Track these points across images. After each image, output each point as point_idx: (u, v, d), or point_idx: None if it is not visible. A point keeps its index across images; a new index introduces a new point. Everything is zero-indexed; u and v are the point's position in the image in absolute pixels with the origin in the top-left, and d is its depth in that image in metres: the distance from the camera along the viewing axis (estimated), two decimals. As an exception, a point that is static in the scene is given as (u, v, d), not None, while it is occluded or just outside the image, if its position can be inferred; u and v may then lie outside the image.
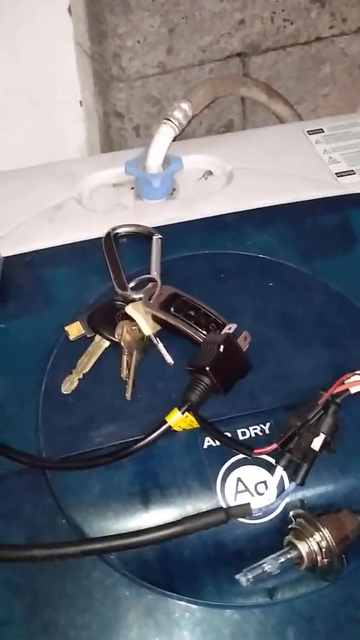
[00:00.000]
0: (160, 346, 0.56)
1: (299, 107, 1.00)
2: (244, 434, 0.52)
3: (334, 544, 0.45)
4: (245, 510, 0.48)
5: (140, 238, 0.66)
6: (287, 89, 0.98)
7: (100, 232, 0.66)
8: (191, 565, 0.48)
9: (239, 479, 0.50)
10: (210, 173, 0.76)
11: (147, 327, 0.56)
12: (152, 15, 0.82)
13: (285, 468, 0.49)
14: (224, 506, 0.49)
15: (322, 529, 0.46)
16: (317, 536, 0.46)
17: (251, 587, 0.47)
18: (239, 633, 0.46)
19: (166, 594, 0.47)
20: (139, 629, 0.46)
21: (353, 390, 0.52)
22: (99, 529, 0.49)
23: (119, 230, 0.66)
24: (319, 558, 0.45)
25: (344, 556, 0.46)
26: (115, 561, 0.48)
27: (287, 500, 0.49)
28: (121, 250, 0.65)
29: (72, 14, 0.89)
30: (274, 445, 0.49)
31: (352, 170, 0.75)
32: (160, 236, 0.64)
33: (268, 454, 0.50)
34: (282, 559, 0.46)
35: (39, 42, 0.90)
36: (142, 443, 0.50)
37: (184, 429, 0.52)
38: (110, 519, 0.49)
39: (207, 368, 0.51)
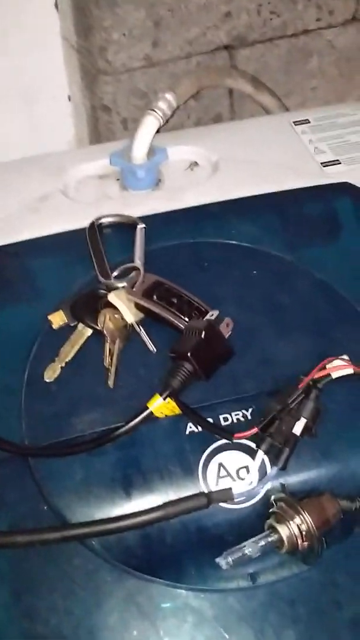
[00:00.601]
0: (143, 334, 0.56)
1: (287, 100, 1.00)
2: (226, 419, 0.52)
3: (314, 527, 0.46)
4: (226, 495, 0.48)
5: (125, 228, 0.66)
6: (275, 82, 0.98)
7: (85, 222, 0.66)
8: (173, 550, 0.48)
9: (220, 464, 0.50)
10: (196, 164, 0.76)
11: (130, 315, 0.56)
12: (138, 8, 0.82)
13: (267, 452, 0.50)
14: (206, 491, 0.49)
15: (302, 512, 0.46)
16: (297, 519, 0.46)
17: (233, 571, 0.47)
18: (221, 616, 0.46)
19: (148, 579, 0.47)
20: (120, 613, 0.46)
21: (335, 374, 0.52)
22: (81, 515, 0.49)
23: (103, 220, 0.66)
24: (299, 541, 0.46)
25: (324, 539, 0.46)
26: (97, 547, 0.48)
27: (268, 484, 0.49)
28: (106, 240, 0.65)
29: (58, 9, 0.90)
30: (255, 429, 0.49)
31: (338, 160, 0.75)
32: (143, 225, 0.64)
33: (250, 438, 0.50)
34: (263, 542, 0.46)
35: (26, 37, 0.91)
36: (123, 429, 0.50)
37: (166, 416, 0.52)
38: (92, 506, 0.49)
39: (189, 354, 0.51)
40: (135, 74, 0.88)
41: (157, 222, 0.66)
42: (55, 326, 0.57)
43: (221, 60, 0.92)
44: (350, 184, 0.72)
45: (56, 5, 0.90)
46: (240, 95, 0.94)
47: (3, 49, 0.91)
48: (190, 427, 0.52)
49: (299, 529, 0.46)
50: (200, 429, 0.51)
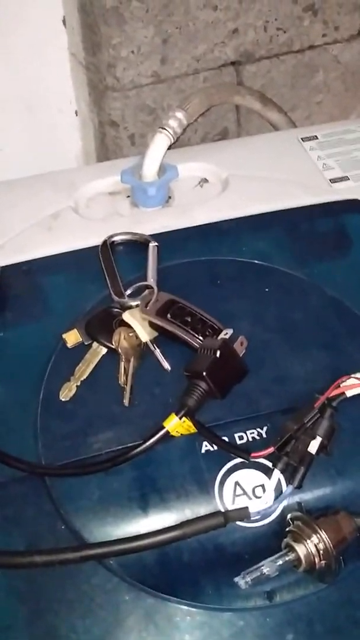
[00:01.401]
0: (157, 352, 0.57)
1: (293, 114, 1.00)
2: (241, 438, 0.52)
3: (331, 546, 0.46)
4: (243, 513, 0.49)
5: (137, 246, 0.67)
6: (281, 97, 0.99)
7: (97, 240, 0.67)
8: (190, 569, 0.49)
9: (236, 483, 0.50)
10: (205, 180, 0.77)
11: (144, 334, 0.57)
12: (146, 25, 0.83)
13: (283, 471, 0.50)
14: (222, 510, 0.49)
15: (319, 531, 0.46)
16: (314, 538, 0.46)
17: (250, 590, 0.47)
18: (239, 636, 0.46)
19: (166, 598, 0.47)
20: (139, 633, 0.46)
21: (349, 393, 0.53)
22: (98, 534, 0.49)
23: (116, 238, 0.66)
24: (316, 560, 0.46)
25: (341, 558, 0.46)
26: (115, 566, 0.48)
27: (284, 503, 0.50)
28: (118, 258, 0.65)
29: (66, 25, 0.90)
30: (271, 449, 0.49)
31: (347, 176, 0.76)
32: (156, 243, 0.65)
33: (265, 457, 0.50)
34: (280, 562, 0.46)
35: (34, 53, 0.91)
36: (140, 448, 0.50)
37: (181, 434, 0.52)
38: (109, 525, 0.49)
39: (204, 373, 0.52)
40: (143, 90, 0.89)
41: (168, 240, 0.67)
42: (70, 345, 0.58)
43: (228, 76, 0.93)
44: (359, 200, 0.72)
45: (64, 22, 0.91)
46: (247, 110, 0.95)
47: (11, 64, 0.91)
48: (206, 446, 0.52)
49: (316, 547, 0.46)
50: (215, 447, 0.52)
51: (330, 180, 0.75)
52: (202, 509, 0.50)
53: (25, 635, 0.46)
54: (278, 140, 0.83)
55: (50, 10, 0.89)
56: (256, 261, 0.66)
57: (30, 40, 0.90)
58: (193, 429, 0.52)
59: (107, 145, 0.94)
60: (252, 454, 0.50)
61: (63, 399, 0.55)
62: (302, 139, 0.81)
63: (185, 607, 0.47)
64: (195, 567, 0.49)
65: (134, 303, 0.59)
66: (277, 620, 0.47)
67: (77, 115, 0.99)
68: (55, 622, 0.47)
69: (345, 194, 0.74)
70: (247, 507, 0.49)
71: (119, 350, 0.56)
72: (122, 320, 0.58)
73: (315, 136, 0.82)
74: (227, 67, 0.93)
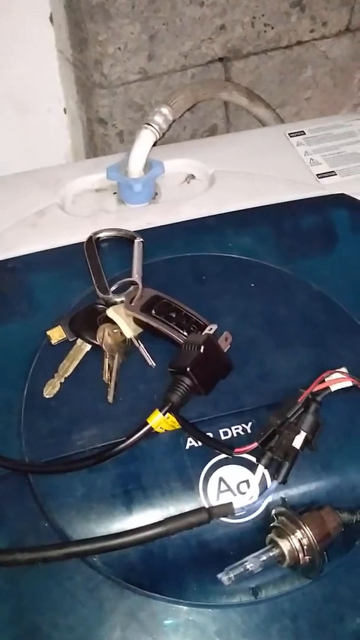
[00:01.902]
0: (142, 348, 0.56)
1: (282, 110, 1.00)
2: (226, 433, 0.52)
3: (315, 541, 0.46)
4: (227, 509, 0.48)
5: (123, 242, 0.66)
6: (269, 93, 0.99)
7: (82, 237, 0.66)
8: (175, 565, 0.48)
9: (221, 479, 0.50)
10: (192, 177, 0.76)
11: (129, 330, 0.57)
12: (132, 22, 0.83)
13: (267, 467, 0.50)
14: (207, 506, 0.49)
15: (303, 526, 0.46)
16: (298, 534, 0.46)
17: (235, 586, 0.47)
18: (223, 632, 0.46)
19: (150, 595, 0.47)
20: (122, 630, 0.46)
21: (334, 387, 0.52)
22: (82, 531, 0.49)
23: (101, 235, 0.66)
24: (300, 555, 0.46)
25: (325, 553, 0.46)
26: (99, 563, 0.48)
27: (269, 498, 0.50)
28: (104, 255, 0.65)
29: (53, 23, 0.90)
30: (255, 444, 0.49)
31: (333, 172, 0.76)
32: (141, 239, 0.64)
33: (250, 453, 0.50)
34: (264, 557, 0.46)
35: (22, 50, 0.91)
36: (123, 445, 0.50)
37: (166, 430, 0.52)
38: (93, 522, 0.49)
39: (188, 369, 0.51)
40: (131, 87, 0.89)
41: (154, 236, 0.66)
42: (54, 342, 0.57)
43: (216, 72, 0.93)
44: (346, 195, 0.72)
45: (51, 19, 0.90)
46: (236, 107, 0.94)
47: (-1, 62, 0.91)
48: (191, 442, 0.52)
49: (300, 543, 0.46)
50: (200, 443, 0.51)
51: (317, 175, 0.75)
52: (187, 506, 0.49)
53: (7, 634, 0.46)
54: (265, 136, 0.83)
55: (37, 7, 0.89)
56: (242, 257, 0.66)
57: (18, 38, 0.90)
58: (177, 425, 0.52)
59: (95, 143, 0.94)
60: (236, 449, 0.49)
61: (47, 396, 0.54)
62: (289, 134, 0.81)
63: (170, 604, 0.47)
64: (180, 563, 0.48)
65: (118, 299, 0.59)
66: (262, 616, 0.46)
67: (65, 113, 0.99)
68: (38, 621, 0.46)
69: (332, 189, 0.73)
70: (231, 503, 0.48)
71: (103, 347, 0.56)
72: (107, 317, 0.57)
73: (303, 131, 0.81)
74: (214, 64, 0.93)
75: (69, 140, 1.01)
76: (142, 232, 0.66)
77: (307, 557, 0.46)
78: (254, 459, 0.50)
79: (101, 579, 0.47)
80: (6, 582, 0.47)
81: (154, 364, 0.56)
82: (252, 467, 0.50)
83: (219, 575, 0.46)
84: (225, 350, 0.55)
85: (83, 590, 0.47)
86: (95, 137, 0.93)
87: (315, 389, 0.52)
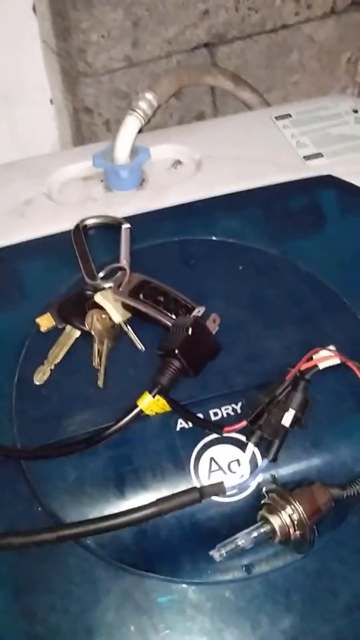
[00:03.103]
0: (131, 333, 0.57)
1: (269, 95, 1.00)
2: (216, 414, 0.53)
3: (305, 516, 0.46)
4: (218, 488, 0.49)
5: (111, 229, 0.67)
6: (256, 78, 0.98)
7: (70, 225, 0.66)
8: (168, 545, 0.49)
9: (212, 459, 0.51)
10: (179, 162, 0.76)
11: (117, 315, 0.57)
12: (115, 9, 0.83)
13: (257, 445, 0.50)
14: (198, 486, 0.49)
15: (293, 502, 0.46)
16: (288, 509, 0.46)
17: (228, 564, 0.47)
18: (218, 608, 0.47)
19: (144, 575, 0.47)
20: (117, 610, 0.47)
21: (322, 365, 0.53)
22: (75, 515, 0.49)
23: (88, 222, 0.66)
24: (291, 531, 0.46)
25: (315, 528, 0.47)
26: (92, 545, 0.48)
27: (260, 476, 0.50)
28: (92, 242, 0.65)
29: (36, 12, 0.90)
30: (243, 422, 0.49)
31: (320, 153, 0.76)
32: (128, 225, 0.64)
33: (240, 432, 0.50)
34: (255, 533, 0.46)
35: (6, 41, 0.91)
36: (114, 428, 0.50)
37: (156, 413, 0.52)
38: (86, 505, 0.50)
39: (176, 351, 0.52)
40: (116, 74, 0.89)
41: (142, 222, 0.67)
42: (43, 329, 0.57)
43: (201, 58, 0.93)
44: (333, 176, 0.72)
45: (34, 9, 0.90)
46: (223, 92, 0.94)
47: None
48: (181, 424, 0.52)
49: (291, 518, 0.46)
50: (190, 424, 0.52)
51: (304, 157, 0.75)
52: (179, 486, 0.50)
53: (3, 617, 0.47)
54: (251, 120, 0.83)
55: (20, -2, 0.89)
56: (230, 240, 0.66)
57: (1, 29, 0.90)
58: (167, 407, 0.52)
59: (82, 133, 0.94)
60: (225, 428, 0.50)
61: (37, 383, 0.55)
62: (275, 117, 0.81)
63: (164, 583, 0.47)
64: (173, 543, 0.49)
65: (106, 285, 0.59)
66: (255, 592, 0.47)
67: (52, 103, 0.99)
68: (34, 603, 0.47)
69: (319, 170, 0.73)
70: (222, 482, 0.49)
71: (92, 333, 0.56)
72: (95, 302, 0.58)
73: (289, 114, 0.81)
74: (200, 49, 0.92)
75: (56, 130, 1.01)
76: (129, 218, 0.66)
77: (297, 532, 0.46)
78: (244, 438, 0.51)
79: (95, 560, 0.48)
80: (1, 565, 0.48)
81: (144, 348, 0.56)
82: (242, 446, 0.51)
83: (211, 552, 0.46)
84: (213, 332, 0.55)
85: (78, 572, 0.48)
86: (82, 126, 0.93)
87: (304, 367, 0.52)
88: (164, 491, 0.50)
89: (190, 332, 0.53)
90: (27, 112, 0.97)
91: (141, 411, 0.51)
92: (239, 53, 0.96)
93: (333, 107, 0.83)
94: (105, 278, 0.60)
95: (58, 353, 0.56)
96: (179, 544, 0.49)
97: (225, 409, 0.53)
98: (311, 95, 1.07)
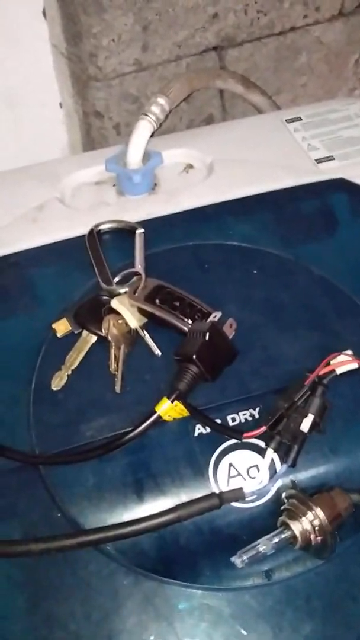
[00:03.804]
0: (147, 338, 0.57)
1: (277, 97, 1.00)
2: (234, 419, 0.53)
3: (326, 522, 0.46)
4: (238, 494, 0.49)
5: (124, 233, 0.67)
6: (265, 80, 0.98)
7: (83, 229, 0.67)
8: (188, 551, 0.49)
9: (230, 464, 0.51)
10: (190, 166, 0.76)
11: (133, 320, 0.57)
12: (125, 13, 0.83)
13: (276, 450, 0.50)
14: (217, 492, 0.49)
15: (314, 508, 0.46)
16: (309, 515, 0.46)
17: (248, 569, 0.47)
18: (238, 614, 0.47)
19: (164, 581, 0.47)
20: (138, 616, 0.47)
21: (339, 370, 0.53)
22: (94, 520, 0.49)
23: (102, 227, 0.66)
24: (312, 537, 0.46)
25: (336, 533, 0.47)
26: (112, 551, 0.48)
27: (279, 482, 0.50)
28: (105, 247, 0.65)
29: (46, 17, 0.90)
30: (263, 428, 0.49)
31: (332, 156, 0.76)
32: (142, 230, 0.65)
33: (258, 437, 0.50)
34: (276, 539, 0.46)
35: (16, 45, 0.91)
36: (132, 434, 0.50)
37: (174, 419, 0.52)
38: (105, 511, 0.50)
39: (194, 356, 0.52)
40: (126, 78, 0.89)
41: (155, 226, 0.67)
42: (59, 334, 0.57)
43: (211, 61, 0.93)
44: (345, 179, 0.72)
45: (44, 13, 0.90)
46: (232, 95, 0.94)
47: (-8, 59, 0.91)
48: (199, 429, 0.52)
49: (312, 524, 0.46)
50: (208, 430, 0.52)
51: (315, 160, 0.75)
52: (198, 492, 0.50)
53: (25, 624, 0.47)
54: (262, 123, 0.83)
55: (29, 2, 0.89)
56: (243, 244, 0.66)
57: (11, 33, 0.90)
58: (185, 413, 0.52)
59: (92, 136, 0.94)
60: (244, 434, 0.50)
61: (55, 388, 0.55)
62: (286, 120, 0.81)
63: (184, 589, 0.47)
64: (193, 549, 0.49)
65: (122, 290, 0.59)
66: (276, 598, 0.47)
67: (61, 107, 0.99)
68: (54, 610, 0.47)
69: (330, 173, 0.73)
70: (241, 488, 0.49)
71: (109, 338, 0.56)
72: (111, 308, 0.58)
73: (299, 117, 0.81)
74: (209, 52, 0.93)
75: (65, 134, 1.01)
76: (142, 223, 0.67)
77: (318, 538, 0.46)
78: (262, 444, 0.51)
79: (115, 566, 0.48)
80: (21, 572, 0.48)
81: (160, 353, 0.56)
82: (261, 452, 0.51)
83: (232, 559, 0.46)
84: (230, 337, 0.55)
85: (97, 578, 0.48)
86: (92, 130, 0.93)
87: (321, 372, 0.52)
88: (183, 497, 0.50)
89: (207, 338, 0.53)
90: (37, 116, 0.97)
91: (159, 417, 0.51)
92: (247, 56, 0.96)
93: (343, 109, 0.83)
94: (121, 283, 0.60)
95: (75, 358, 0.56)
96: (198, 550, 0.49)
97: (243, 414, 0.53)
98: (319, 97, 1.07)
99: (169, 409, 0.51)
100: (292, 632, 0.46)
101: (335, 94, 1.07)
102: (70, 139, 1.01)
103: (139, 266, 0.61)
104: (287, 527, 0.47)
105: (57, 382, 0.55)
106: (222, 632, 0.46)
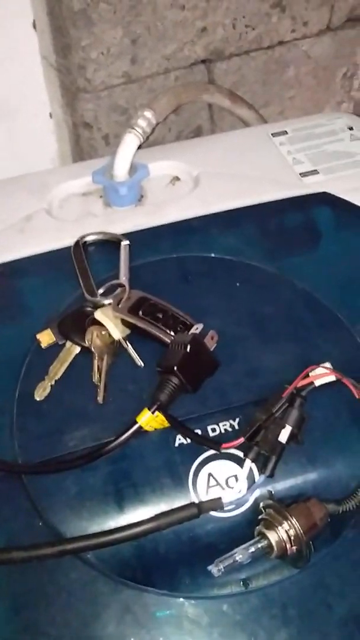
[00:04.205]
0: (130, 349, 0.58)
1: (265, 110, 1.02)
2: (214, 430, 0.53)
3: (302, 532, 0.47)
4: (216, 504, 0.50)
5: (110, 245, 0.68)
6: (253, 94, 1.00)
7: (70, 241, 0.67)
8: (167, 559, 0.50)
9: (210, 474, 0.51)
10: (177, 179, 0.77)
11: (117, 331, 0.58)
12: (114, 26, 0.84)
13: (254, 461, 0.51)
14: (196, 501, 0.50)
15: (290, 518, 0.47)
16: (285, 525, 0.47)
17: (226, 578, 0.48)
18: (216, 622, 0.47)
19: (143, 589, 0.48)
20: (117, 624, 0.47)
21: (318, 382, 0.54)
22: (75, 529, 0.50)
23: (88, 238, 0.67)
24: (288, 546, 0.47)
25: (312, 543, 0.47)
26: (93, 560, 0.49)
27: (257, 492, 0.51)
28: (91, 258, 0.66)
29: (36, 29, 0.91)
30: (241, 439, 0.50)
31: (316, 170, 0.77)
32: (127, 242, 0.66)
33: (237, 448, 0.51)
34: (253, 549, 0.47)
35: (6, 57, 0.92)
36: (114, 444, 0.51)
37: (155, 429, 0.53)
38: (86, 520, 0.50)
39: (175, 368, 0.53)
40: (115, 90, 0.90)
41: (140, 238, 0.68)
42: (44, 345, 0.58)
43: (199, 74, 0.94)
44: (328, 193, 0.73)
45: (34, 26, 0.91)
46: (220, 107, 0.95)
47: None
48: (180, 439, 0.53)
49: (287, 534, 0.47)
50: (188, 440, 0.53)
51: (300, 174, 0.76)
52: (177, 502, 0.50)
53: (5, 631, 0.47)
54: (248, 136, 0.84)
55: (20, 14, 0.90)
56: (227, 257, 0.67)
57: (1, 45, 0.91)
58: (166, 423, 0.53)
59: (81, 147, 0.95)
60: (223, 445, 0.51)
61: (38, 399, 0.55)
62: (272, 134, 0.82)
63: (163, 597, 0.48)
64: (172, 557, 0.50)
65: (106, 301, 0.60)
66: (252, 606, 0.48)
67: (51, 117, 1.00)
68: (34, 617, 0.48)
69: (315, 187, 0.75)
70: (220, 498, 0.50)
71: (92, 349, 0.57)
72: (95, 319, 0.58)
73: (285, 131, 0.83)
74: (197, 66, 0.94)
75: (55, 144, 1.02)
76: (128, 235, 0.68)
77: (294, 548, 0.47)
78: (241, 454, 0.52)
79: (95, 574, 0.48)
80: (2, 580, 0.49)
81: (143, 364, 0.57)
82: (239, 462, 0.51)
83: (209, 567, 0.47)
84: (211, 349, 0.56)
85: (78, 586, 0.48)
86: (81, 141, 0.94)
87: (300, 384, 0.53)
88: (163, 506, 0.50)
89: (188, 349, 0.54)
90: (27, 126, 0.99)
91: (140, 427, 0.52)
92: (236, 69, 0.97)
93: (329, 124, 0.85)
94: (105, 294, 0.61)
95: (58, 369, 0.57)
96: (177, 559, 0.50)
97: (223, 425, 0.54)
98: (307, 110, 1.08)
99: (150, 419, 0.52)
100: (268, 639, 0.47)
101: (322, 107, 1.09)
102: (60, 149, 1.02)
103: (123, 278, 0.62)
104: (263, 536, 0.48)
105: (41, 393, 0.55)
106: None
